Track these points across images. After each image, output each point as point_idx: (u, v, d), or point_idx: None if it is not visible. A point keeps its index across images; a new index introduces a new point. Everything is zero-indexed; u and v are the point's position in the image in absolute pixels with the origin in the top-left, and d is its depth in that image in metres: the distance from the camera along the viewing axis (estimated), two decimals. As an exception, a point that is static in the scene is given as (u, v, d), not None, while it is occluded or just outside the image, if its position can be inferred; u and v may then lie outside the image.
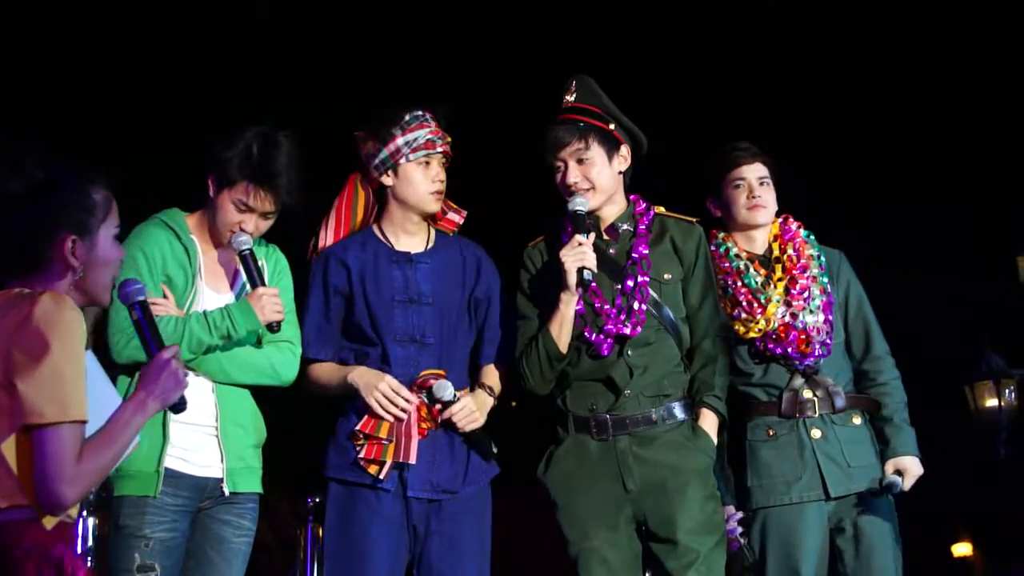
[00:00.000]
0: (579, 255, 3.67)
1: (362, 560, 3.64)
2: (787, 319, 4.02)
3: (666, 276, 3.86)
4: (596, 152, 3.84)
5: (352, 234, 3.90)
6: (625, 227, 3.91)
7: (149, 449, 3.42)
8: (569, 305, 3.73)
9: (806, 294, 4.06)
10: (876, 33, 7.23)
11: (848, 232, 4.31)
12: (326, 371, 3.81)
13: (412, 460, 3.67)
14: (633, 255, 3.84)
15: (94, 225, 2.69)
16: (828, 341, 4.05)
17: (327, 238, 3.90)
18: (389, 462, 3.67)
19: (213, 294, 3.65)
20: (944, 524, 11.12)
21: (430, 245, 3.91)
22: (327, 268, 3.83)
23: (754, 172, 4.15)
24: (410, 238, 3.89)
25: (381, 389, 3.68)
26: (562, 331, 3.74)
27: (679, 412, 3.79)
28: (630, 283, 3.80)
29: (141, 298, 2.84)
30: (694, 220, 3.98)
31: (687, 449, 3.75)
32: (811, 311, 4.05)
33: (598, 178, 3.84)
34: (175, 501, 3.47)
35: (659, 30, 7.19)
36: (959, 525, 11.90)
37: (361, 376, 3.73)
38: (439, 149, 3.84)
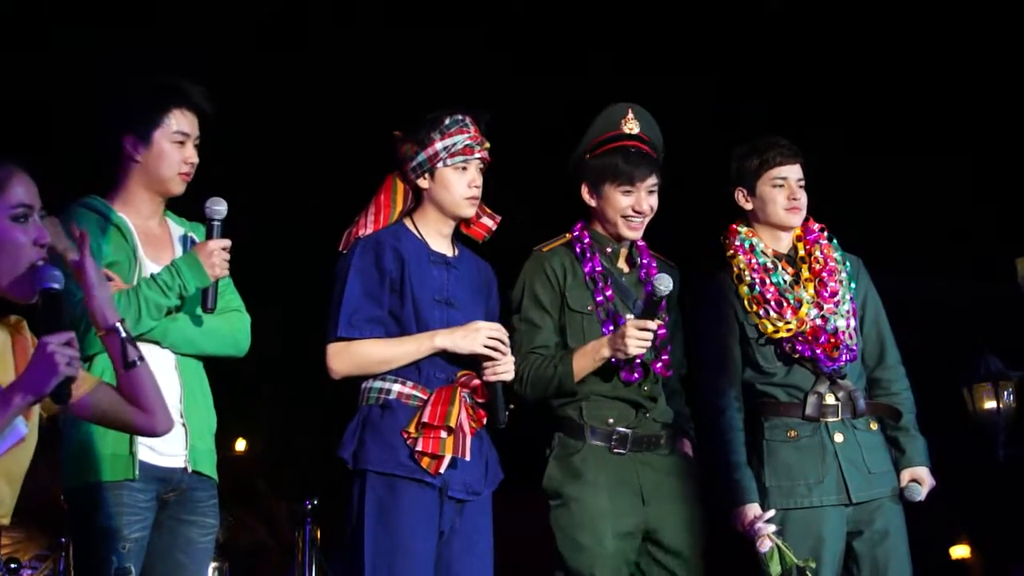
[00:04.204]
0: (643, 345, 3.76)
1: (408, 557, 3.56)
2: (818, 321, 4.02)
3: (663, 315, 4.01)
4: (657, 184, 4.00)
5: (389, 226, 3.84)
6: (637, 260, 4.05)
7: (118, 432, 3.32)
8: (600, 363, 3.84)
9: (836, 297, 4.07)
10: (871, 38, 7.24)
11: (847, 232, 4.30)
12: (381, 344, 3.71)
13: (467, 456, 3.64)
14: (647, 289, 3.89)
15: None
16: (855, 346, 4.07)
17: (367, 227, 3.83)
18: (448, 456, 3.61)
19: (155, 266, 3.55)
20: (942, 526, 11.11)
21: (455, 253, 3.92)
22: (380, 253, 3.76)
23: (795, 173, 4.16)
24: (442, 240, 3.89)
25: (483, 331, 3.69)
26: (582, 375, 3.86)
27: (673, 440, 4.00)
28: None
29: (52, 285, 2.59)
30: (674, 264, 4.17)
31: (692, 481, 3.97)
32: (841, 315, 4.06)
33: (654, 209, 4.01)
34: (146, 496, 3.39)
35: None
36: (957, 527, 11.88)
37: (449, 335, 3.69)
38: (477, 155, 3.83)
